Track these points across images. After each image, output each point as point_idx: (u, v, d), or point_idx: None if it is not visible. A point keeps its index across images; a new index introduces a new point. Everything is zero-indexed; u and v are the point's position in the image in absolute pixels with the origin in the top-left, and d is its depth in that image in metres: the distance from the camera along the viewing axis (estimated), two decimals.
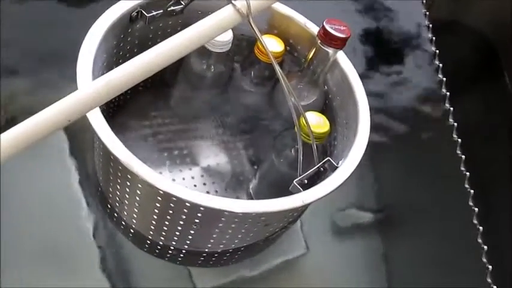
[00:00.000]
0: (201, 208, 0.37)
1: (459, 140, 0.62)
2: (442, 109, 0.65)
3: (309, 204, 0.39)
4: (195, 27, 0.31)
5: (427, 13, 0.73)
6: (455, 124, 0.64)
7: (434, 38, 0.71)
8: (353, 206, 0.55)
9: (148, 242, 0.46)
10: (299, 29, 0.48)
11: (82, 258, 0.46)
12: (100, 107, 0.45)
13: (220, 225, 0.40)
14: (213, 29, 0.32)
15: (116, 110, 0.52)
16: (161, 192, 0.36)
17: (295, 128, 0.40)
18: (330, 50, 0.44)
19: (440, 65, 0.69)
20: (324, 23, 0.43)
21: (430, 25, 0.72)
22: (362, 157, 0.41)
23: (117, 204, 0.46)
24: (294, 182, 0.39)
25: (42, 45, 0.55)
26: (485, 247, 0.55)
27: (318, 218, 0.53)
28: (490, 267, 0.54)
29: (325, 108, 0.49)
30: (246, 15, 0.32)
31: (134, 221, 0.46)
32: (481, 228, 0.56)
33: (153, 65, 0.31)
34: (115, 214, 0.47)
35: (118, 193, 0.44)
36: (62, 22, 0.57)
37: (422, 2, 0.74)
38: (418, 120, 0.65)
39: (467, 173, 0.60)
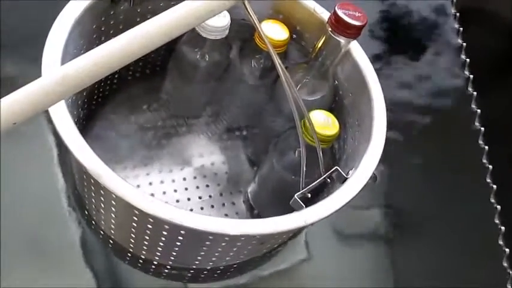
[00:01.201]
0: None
1: (486, 147, 0.58)
2: (468, 111, 0.62)
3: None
4: (177, 9, 0.26)
5: (454, 0, 0.70)
6: (482, 129, 0.60)
7: (461, 28, 0.68)
8: (360, 209, 0.52)
9: (129, 255, 0.43)
10: (307, 15, 0.44)
11: (68, 257, 0.44)
12: (80, 98, 0.41)
13: (208, 243, 0.37)
14: (200, 13, 0.26)
15: (101, 101, 0.49)
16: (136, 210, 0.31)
17: (297, 129, 0.35)
18: (342, 40, 0.40)
19: (467, 60, 0.65)
20: (336, 8, 0.38)
21: (457, 14, 0.69)
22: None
23: (94, 212, 0.42)
24: (295, 196, 0.35)
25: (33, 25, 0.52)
26: (511, 272, 0.51)
27: (321, 221, 0.49)
28: None
29: (335, 106, 0.45)
30: None
31: (113, 232, 0.42)
32: (507, 250, 0.52)
33: (126, 54, 0.25)
34: (93, 222, 0.44)
35: (93, 201, 0.40)
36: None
37: None
38: (440, 123, 0.61)
39: (494, 186, 0.56)
